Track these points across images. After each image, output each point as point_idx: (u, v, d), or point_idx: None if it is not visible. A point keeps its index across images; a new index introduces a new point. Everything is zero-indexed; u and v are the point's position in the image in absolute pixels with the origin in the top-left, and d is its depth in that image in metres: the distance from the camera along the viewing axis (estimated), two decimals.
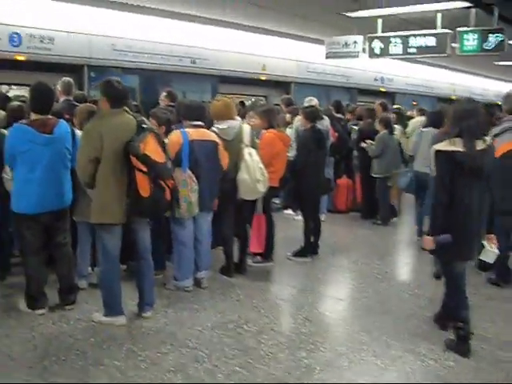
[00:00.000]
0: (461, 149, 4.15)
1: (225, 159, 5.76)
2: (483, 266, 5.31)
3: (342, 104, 10.99)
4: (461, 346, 4.36)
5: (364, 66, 15.71)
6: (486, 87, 24.02)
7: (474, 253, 4.45)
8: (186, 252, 5.59)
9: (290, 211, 9.21)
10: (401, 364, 4.20)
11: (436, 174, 4.35)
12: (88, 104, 5.94)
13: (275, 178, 6.55)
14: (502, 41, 9.14)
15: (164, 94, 7.59)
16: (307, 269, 6.60)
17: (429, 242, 4.31)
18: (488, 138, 4.45)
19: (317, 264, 6.80)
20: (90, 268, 5.65)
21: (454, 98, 21.91)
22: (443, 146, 4.29)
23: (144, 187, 4.45)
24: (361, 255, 7.24)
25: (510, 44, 9.32)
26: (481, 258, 4.65)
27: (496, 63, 17.34)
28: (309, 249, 6.99)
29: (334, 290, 5.88)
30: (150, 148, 4.49)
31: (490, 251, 4.58)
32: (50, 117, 4.80)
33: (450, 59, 16.24)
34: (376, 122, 9.12)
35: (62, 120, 4.89)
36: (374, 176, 8.94)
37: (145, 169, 4.44)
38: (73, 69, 9.27)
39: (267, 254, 6.60)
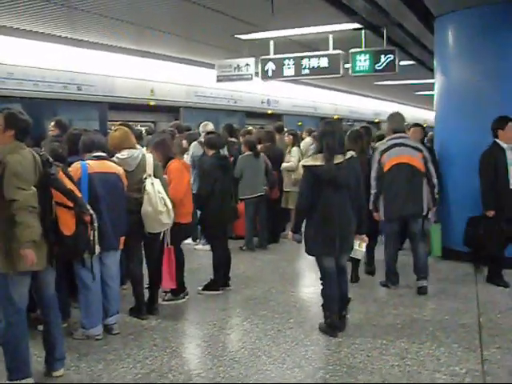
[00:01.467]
0: (320, 163, 4.94)
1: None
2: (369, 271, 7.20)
3: (234, 127, 10.82)
4: (331, 331, 5.19)
5: (251, 88, 15.72)
6: (365, 106, 24.95)
7: (335, 250, 5.11)
8: (93, 297, 5.07)
9: (189, 241, 8.88)
10: None
11: (300, 184, 5.33)
12: None
13: (189, 213, 6.25)
14: (392, 61, 9.32)
15: (52, 123, 7.00)
16: (222, 303, 6.24)
17: (291, 236, 5.37)
18: (351, 153, 5.11)
19: (231, 297, 6.47)
20: None
21: (336, 117, 22.56)
22: (307, 161, 5.23)
23: (67, 224, 4.03)
24: (273, 283, 6.99)
25: (400, 65, 9.52)
26: (351, 255, 5.49)
27: (376, 83, 17.95)
28: (220, 281, 6.65)
29: (256, 324, 5.53)
30: (66, 182, 4.04)
31: (358, 250, 5.38)
32: None
33: (333, 80, 16.66)
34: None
35: None
36: (241, 198, 8.61)
37: (71, 204, 3.99)
38: None
39: (178, 289, 6.20)
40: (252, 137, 9.39)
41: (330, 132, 5.04)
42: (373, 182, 6.49)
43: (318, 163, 4.97)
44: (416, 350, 4.89)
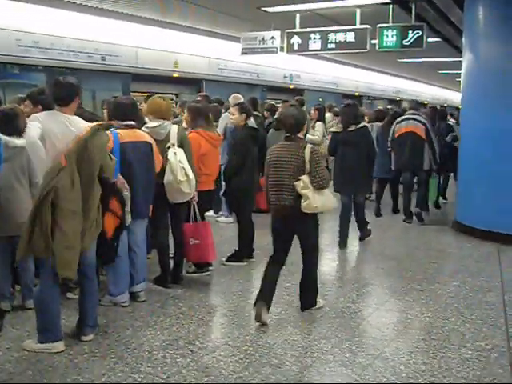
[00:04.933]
0: (339, 130, 7.50)
1: (158, 161, 5.35)
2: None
3: (257, 101, 10.75)
4: (339, 240, 7.56)
5: (274, 63, 15.60)
6: (386, 84, 24.71)
7: (348, 189, 7.46)
8: (121, 265, 5.08)
9: (211, 213, 8.88)
10: (372, 372, 3.98)
11: (329, 141, 7.98)
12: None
13: (210, 181, 6.25)
14: (420, 37, 9.18)
15: None
16: (246, 274, 6.28)
17: None
18: (363, 123, 7.69)
19: (255, 268, 6.47)
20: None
21: (357, 94, 22.38)
22: (333, 128, 8.08)
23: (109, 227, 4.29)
24: (297, 256, 6.92)
25: (428, 41, 9.38)
26: None
27: (398, 60, 17.70)
28: (244, 253, 6.68)
29: (281, 295, 5.55)
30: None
31: None
32: None
33: (355, 56, 16.50)
34: None
35: None
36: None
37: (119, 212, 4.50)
38: None
39: (203, 263, 6.21)
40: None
41: (347, 111, 7.56)
42: (389, 144, 9.19)
43: (338, 130, 7.52)
44: (441, 325, 4.91)
